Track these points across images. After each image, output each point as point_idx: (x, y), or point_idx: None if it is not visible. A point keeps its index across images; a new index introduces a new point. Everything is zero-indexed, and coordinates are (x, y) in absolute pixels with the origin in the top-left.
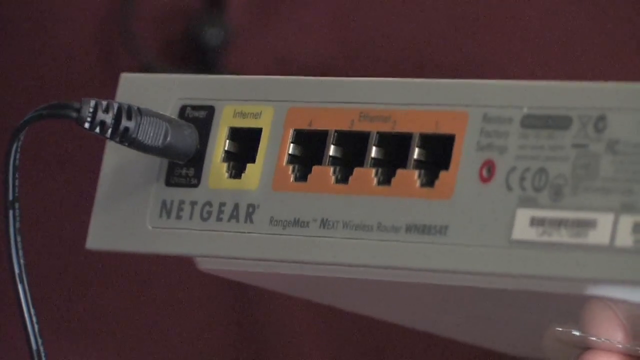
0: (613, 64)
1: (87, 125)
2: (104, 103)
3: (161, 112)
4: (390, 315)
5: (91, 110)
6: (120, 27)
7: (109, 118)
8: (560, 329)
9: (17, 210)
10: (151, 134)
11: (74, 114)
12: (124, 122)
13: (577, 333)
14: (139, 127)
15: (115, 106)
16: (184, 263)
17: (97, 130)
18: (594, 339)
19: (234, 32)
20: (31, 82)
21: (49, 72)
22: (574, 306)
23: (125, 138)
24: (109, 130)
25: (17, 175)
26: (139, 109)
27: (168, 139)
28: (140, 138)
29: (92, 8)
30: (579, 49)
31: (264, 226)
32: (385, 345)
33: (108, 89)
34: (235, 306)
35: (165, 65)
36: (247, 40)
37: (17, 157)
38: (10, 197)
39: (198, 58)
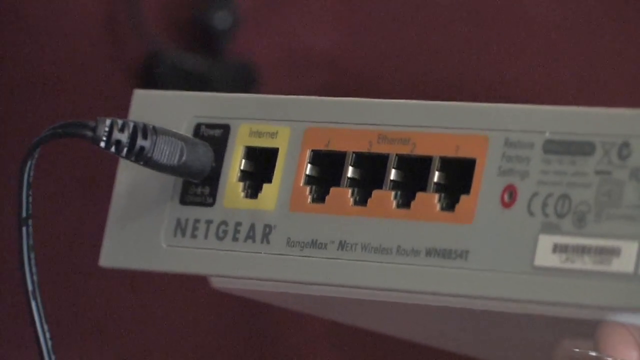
0: (624, 60)
1: (102, 144)
2: (120, 122)
3: (176, 131)
4: (404, 332)
5: (107, 129)
6: (128, 13)
7: (124, 137)
8: (577, 350)
9: (30, 227)
10: (166, 153)
11: (90, 133)
12: (140, 142)
13: (593, 354)
14: (154, 146)
15: (131, 125)
16: (196, 280)
17: (113, 149)
18: (609, 359)
19: (242, 17)
20: (41, 69)
21: (58, 58)
22: (588, 327)
23: (141, 157)
24: (125, 150)
25: (30, 192)
26: (154, 127)
27: (183, 158)
28: (155, 157)
29: None
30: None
31: (281, 247)
32: (394, 356)
33: (117, 75)
34: (245, 317)
35: (174, 50)
36: (254, 26)
37: (31, 174)
38: (24, 214)
39: (206, 43)
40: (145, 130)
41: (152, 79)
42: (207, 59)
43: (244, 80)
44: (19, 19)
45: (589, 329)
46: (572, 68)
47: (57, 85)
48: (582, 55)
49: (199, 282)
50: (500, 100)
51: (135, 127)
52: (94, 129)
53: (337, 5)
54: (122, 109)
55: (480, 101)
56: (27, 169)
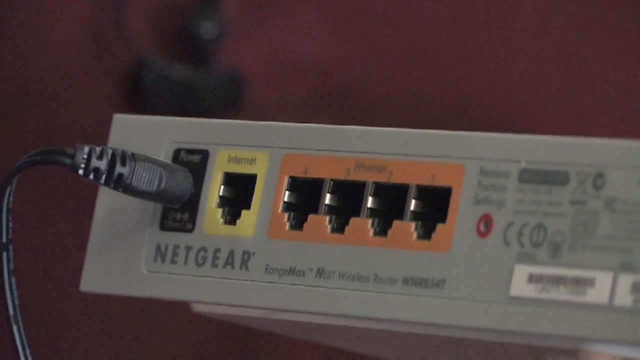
0: (613, 60)
1: (81, 171)
2: (98, 149)
3: (155, 157)
4: (386, 354)
5: (85, 156)
6: (115, 21)
7: (103, 165)
8: None
9: (11, 252)
10: (145, 180)
11: (68, 161)
12: (118, 169)
13: None
14: (133, 173)
15: (110, 152)
16: (179, 305)
17: (91, 176)
18: None
19: (229, 26)
20: (28, 79)
21: (45, 67)
22: (568, 355)
23: (120, 184)
24: (103, 177)
25: (10, 218)
26: (132, 154)
27: (162, 184)
28: (134, 184)
29: (87, 2)
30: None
31: (260, 274)
32: None
33: (104, 84)
34: (232, 340)
35: (161, 59)
36: (241, 35)
37: (11, 200)
38: (4, 240)
39: (193, 52)
40: (123, 157)
41: (139, 88)
42: (194, 68)
43: (231, 89)
44: (5, 28)
45: (569, 357)
46: (563, 69)
47: (44, 94)
48: (573, 58)
49: (181, 306)
50: (490, 106)
51: (113, 154)
52: (72, 156)
53: (324, 15)
54: (108, 117)
55: (470, 106)
56: (6, 195)
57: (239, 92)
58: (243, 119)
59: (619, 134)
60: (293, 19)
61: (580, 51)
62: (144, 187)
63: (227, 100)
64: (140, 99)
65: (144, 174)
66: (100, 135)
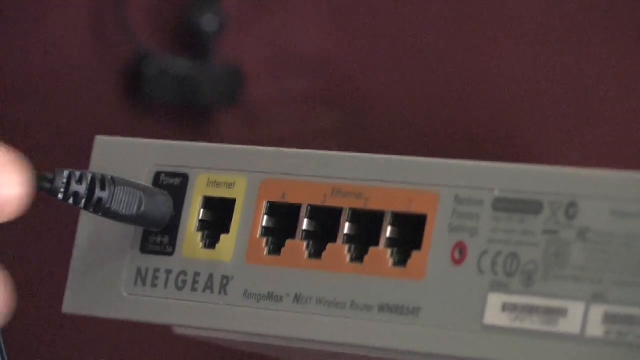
0: (612, 57)
1: (60, 196)
2: (78, 174)
3: (135, 181)
4: None
5: (64, 181)
6: (115, 15)
7: (82, 189)
8: None
9: None
10: (125, 204)
11: (47, 185)
12: (98, 193)
13: None
14: (112, 197)
15: (89, 176)
16: (162, 329)
17: (71, 200)
18: None
19: (229, 19)
20: (28, 73)
21: (45, 62)
22: None
23: (99, 208)
24: (83, 201)
25: None
26: (112, 178)
27: (142, 208)
28: (114, 208)
29: None
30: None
31: (239, 298)
32: None
33: (104, 77)
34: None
35: (161, 53)
36: (242, 29)
37: None
38: None
39: (193, 46)
40: (103, 181)
41: (139, 82)
42: (194, 62)
43: (232, 83)
44: (5, 22)
45: None
46: (561, 70)
47: (44, 89)
48: (571, 59)
49: (164, 329)
50: (491, 99)
51: (93, 179)
52: (51, 181)
53: (325, 8)
54: (109, 112)
55: (470, 100)
56: None
57: (239, 85)
58: (243, 113)
59: (620, 137)
60: (293, 12)
61: (581, 53)
62: (123, 211)
63: (228, 94)
64: (141, 92)
65: (123, 198)
66: (100, 129)
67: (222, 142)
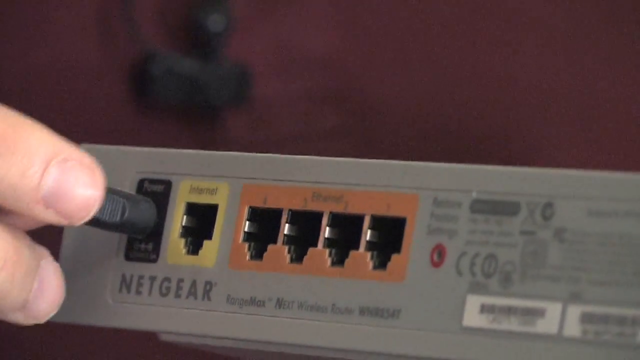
0: (616, 56)
1: None
2: None
3: (118, 188)
4: None
5: None
6: (122, 14)
7: None
8: None
9: None
10: (109, 212)
11: None
12: None
13: None
14: None
15: None
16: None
17: None
18: None
19: (236, 19)
20: (34, 71)
21: (51, 61)
22: None
23: None
24: None
25: None
26: None
27: (125, 215)
28: (98, 216)
29: None
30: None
31: (222, 304)
32: None
33: (110, 77)
34: None
35: (168, 52)
36: (249, 28)
37: None
38: None
39: (200, 46)
40: None
41: (146, 82)
42: (201, 61)
43: (238, 83)
44: (11, 21)
45: None
46: (568, 70)
47: (51, 88)
48: (579, 58)
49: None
50: (498, 100)
51: None
52: None
53: (333, 8)
54: (116, 111)
55: (477, 101)
56: None
57: (246, 85)
58: (250, 113)
59: (623, 139)
60: (301, 12)
61: (587, 55)
62: (107, 219)
63: (235, 94)
64: (148, 92)
65: (107, 206)
66: (107, 129)
67: (229, 142)
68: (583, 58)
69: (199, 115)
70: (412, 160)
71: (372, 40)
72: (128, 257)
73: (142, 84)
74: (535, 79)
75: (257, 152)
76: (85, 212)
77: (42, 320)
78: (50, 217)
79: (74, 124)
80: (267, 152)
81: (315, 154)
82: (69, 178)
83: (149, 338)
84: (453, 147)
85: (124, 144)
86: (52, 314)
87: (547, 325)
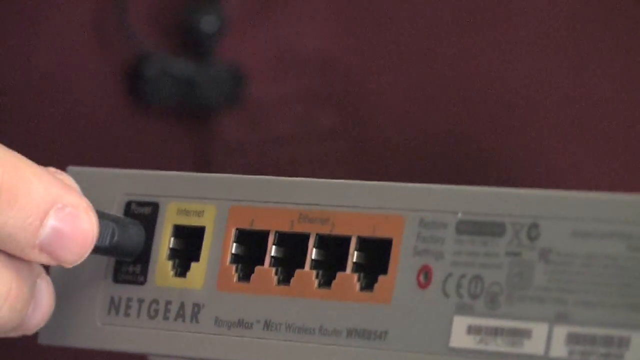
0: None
1: None
2: None
3: (107, 212)
4: None
5: None
6: (116, 16)
7: None
8: None
9: None
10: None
11: None
12: None
13: None
14: None
15: None
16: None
17: None
18: None
19: (230, 20)
20: (27, 74)
21: (46, 63)
22: None
23: None
24: None
25: None
26: None
27: (115, 239)
28: None
29: None
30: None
31: (210, 326)
32: None
33: (104, 78)
34: None
35: (161, 54)
36: (242, 29)
37: None
38: None
39: (194, 47)
40: None
41: (140, 83)
42: (195, 63)
43: (232, 84)
44: (5, 23)
45: None
46: (563, 74)
47: (45, 90)
48: (575, 60)
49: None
50: (493, 99)
51: None
52: None
53: (327, 9)
54: (110, 113)
55: (472, 102)
56: None
57: (240, 86)
58: (244, 114)
59: (618, 142)
60: (295, 13)
61: (584, 52)
62: (97, 243)
63: (228, 95)
64: (141, 94)
65: None
66: (101, 130)
67: (223, 143)
68: (579, 60)
69: (193, 117)
70: (408, 162)
71: (367, 41)
72: (116, 280)
73: (136, 85)
74: (531, 81)
75: (252, 153)
76: (78, 257)
77: (32, 332)
78: (43, 259)
79: (68, 126)
80: (261, 153)
81: (309, 156)
82: (66, 226)
83: None
84: (449, 148)
85: (118, 145)
86: (41, 326)
87: (533, 346)
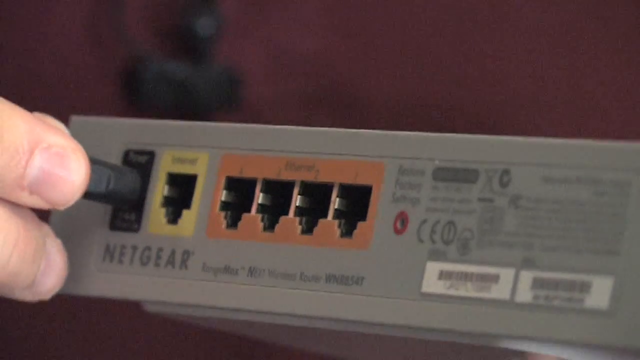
0: (611, 56)
1: None
2: None
3: (104, 159)
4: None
5: None
6: (112, 18)
7: None
8: None
9: None
10: (94, 182)
11: None
12: None
13: None
14: None
15: None
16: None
17: None
18: None
19: (226, 23)
20: (23, 76)
21: (41, 65)
22: (518, 356)
23: None
24: None
25: None
26: None
27: (111, 186)
28: None
29: (83, 0)
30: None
31: (198, 272)
32: None
33: (100, 81)
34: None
35: (158, 56)
36: (239, 32)
37: None
38: None
39: (190, 49)
40: None
41: (136, 86)
42: (191, 65)
43: (229, 86)
44: (2, 25)
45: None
46: (559, 70)
47: (41, 93)
48: (570, 58)
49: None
50: (489, 100)
51: None
52: None
53: (323, 10)
54: (106, 115)
55: (468, 103)
56: None
57: (236, 89)
58: (241, 116)
59: (620, 137)
60: (291, 15)
61: (580, 53)
62: (92, 189)
63: (225, 98)
64: (138, 96)
65: (93, 177)
66: None
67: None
68: (575, 58)
69: (189, 119)
70: None
71: (363, 42)
72: (113, 227)
73: (133, 88)
74: (526, 79)
75: None
76: (69, 198)
77: (48, 297)
78: (35, 202)
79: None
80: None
81: None
82: (53, 165)
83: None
84: None
85: None
86: (56, 291)
87: (500, 290)
